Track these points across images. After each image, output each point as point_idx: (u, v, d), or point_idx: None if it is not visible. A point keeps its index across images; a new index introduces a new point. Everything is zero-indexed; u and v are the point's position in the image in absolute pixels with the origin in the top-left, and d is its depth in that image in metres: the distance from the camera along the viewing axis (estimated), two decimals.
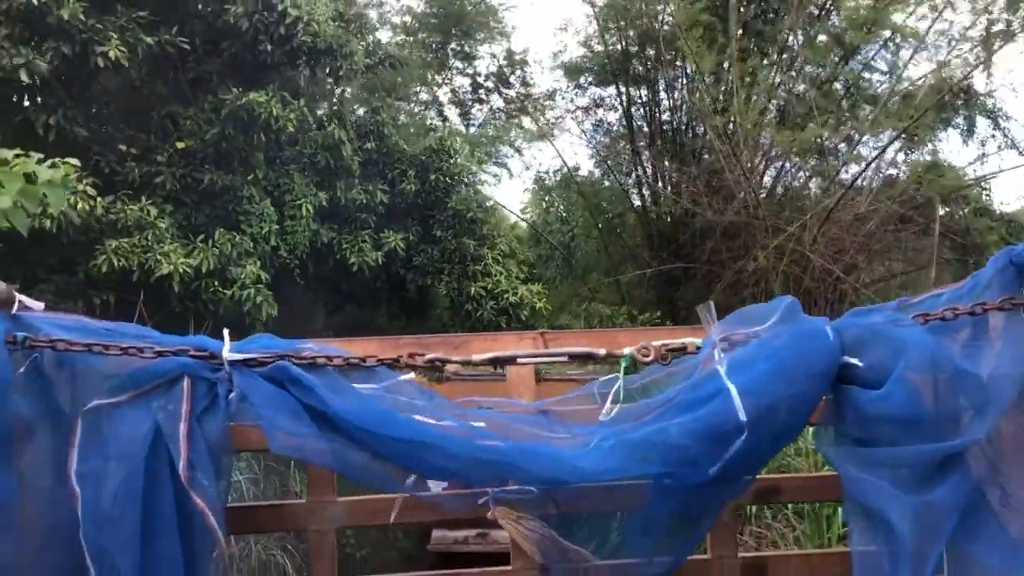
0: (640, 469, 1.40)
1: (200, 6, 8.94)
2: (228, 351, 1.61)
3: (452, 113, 17.20)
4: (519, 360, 1.58)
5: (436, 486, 1.69)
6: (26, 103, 7.81)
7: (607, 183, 17.90)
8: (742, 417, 1.37)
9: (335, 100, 11.07)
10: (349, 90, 11.75)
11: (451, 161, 11.52)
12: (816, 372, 1.44)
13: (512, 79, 17.43)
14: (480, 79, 17.39)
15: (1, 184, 3.15)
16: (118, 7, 8.02)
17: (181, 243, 8.21)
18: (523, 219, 20.81)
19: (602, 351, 1.52)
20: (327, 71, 9.97)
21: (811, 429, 1.68)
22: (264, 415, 1.58)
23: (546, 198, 19.59)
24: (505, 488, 1.55)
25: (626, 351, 1.49)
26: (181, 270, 7.83)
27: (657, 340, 1.51)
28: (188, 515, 1.52)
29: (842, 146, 15.58)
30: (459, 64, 17.29)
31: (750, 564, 1.87)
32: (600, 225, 17.33)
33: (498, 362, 1.56)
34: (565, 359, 1.55)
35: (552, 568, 1.62)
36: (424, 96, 17.39)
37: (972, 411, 1.37)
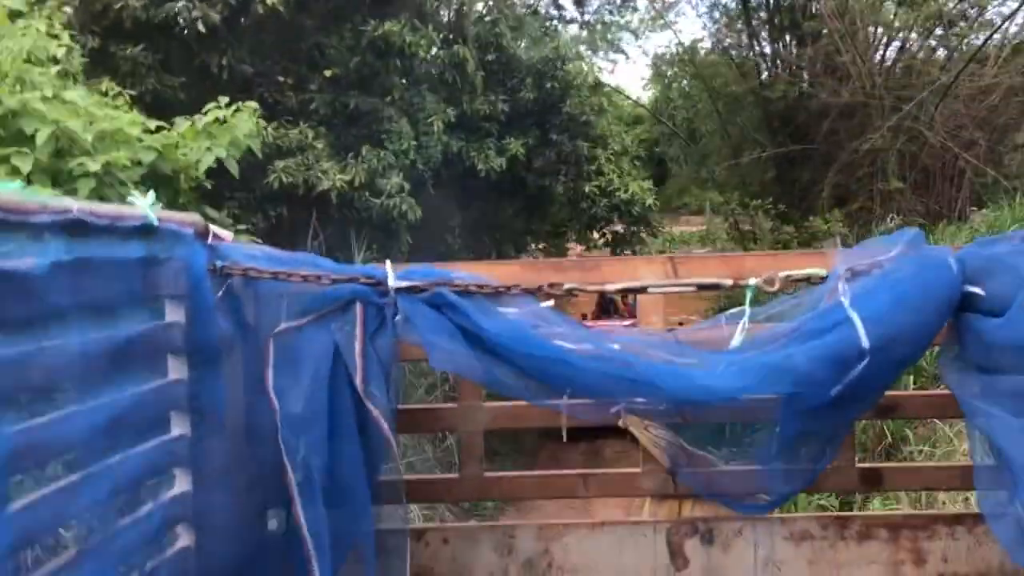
0: (769, 390, 1.38)
1: None
2: (393, 279, 1.67)
3: (567, 1, 16.01)
4: (650, 290, 1.55)
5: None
6: (199, 49, 8.17)
7: (725, 65, 16.57)
8: (864, 344, 1.31)
9: (457, 18, 10.77)
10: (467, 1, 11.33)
11: (565, 68, 11.08)
12: (938, 302, 1.35)
13: None
14: None
15: (215, 137, 3.59)
16: None
17: (336, 161, 8.52)
18: (642, 105, 19.75)
19: (729, 281, 1.47)
20: None
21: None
22: (425, 335, 1.64)
23: (668, 74, 18.37)
24: (635, 400, 1.57)
25: (752, 282, 1.43)
26: (337, 184, 8.18)
27: (782, 270, 1.44)
28: (364, 420, 1.62)
29: (971, 12, 13.52)
30: None
31: (867, 473, 1.83)
32: (719, 107, 16.26)
33: (630, 291, 1.55)
34: (693, 289, 1.52)
35: (680, 472, 1.65)
36: None
37: None
